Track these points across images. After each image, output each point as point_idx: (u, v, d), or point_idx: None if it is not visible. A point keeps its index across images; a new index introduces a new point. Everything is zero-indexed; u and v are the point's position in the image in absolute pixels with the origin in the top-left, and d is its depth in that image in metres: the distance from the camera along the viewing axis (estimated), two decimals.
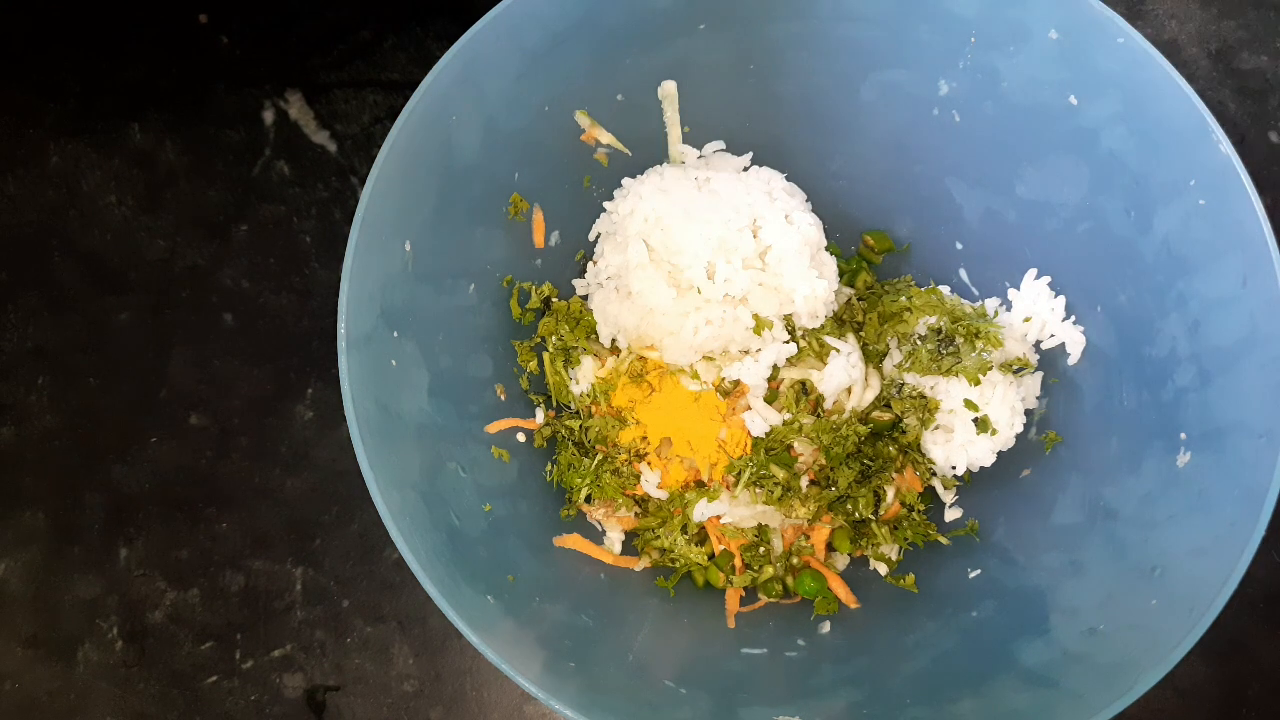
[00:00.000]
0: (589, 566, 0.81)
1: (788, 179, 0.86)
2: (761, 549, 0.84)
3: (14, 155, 0.99)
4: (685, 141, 0.88)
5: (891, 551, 0.84)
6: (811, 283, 0.81)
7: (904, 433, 0.85)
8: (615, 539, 0.84)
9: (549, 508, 0.83)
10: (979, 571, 0.80)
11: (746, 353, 0.84)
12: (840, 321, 0.88)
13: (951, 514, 0.86)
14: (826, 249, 0.86)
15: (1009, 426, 0.83)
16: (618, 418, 0.85)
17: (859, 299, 0.89)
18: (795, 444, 0.84)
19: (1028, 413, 0.85)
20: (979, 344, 0.82)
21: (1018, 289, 0.86)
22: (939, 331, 0.84)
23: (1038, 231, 0.83)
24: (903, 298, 0.87)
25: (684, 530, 0.83)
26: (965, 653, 0.73)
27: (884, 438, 0.86)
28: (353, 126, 1.00)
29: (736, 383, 0.85)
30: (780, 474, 0.82)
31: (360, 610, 0.89)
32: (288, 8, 1.03)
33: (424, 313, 0.75)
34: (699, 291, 0.80)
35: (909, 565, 0.84)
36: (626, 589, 0.81)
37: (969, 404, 0.82)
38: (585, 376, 0.86)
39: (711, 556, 0.84)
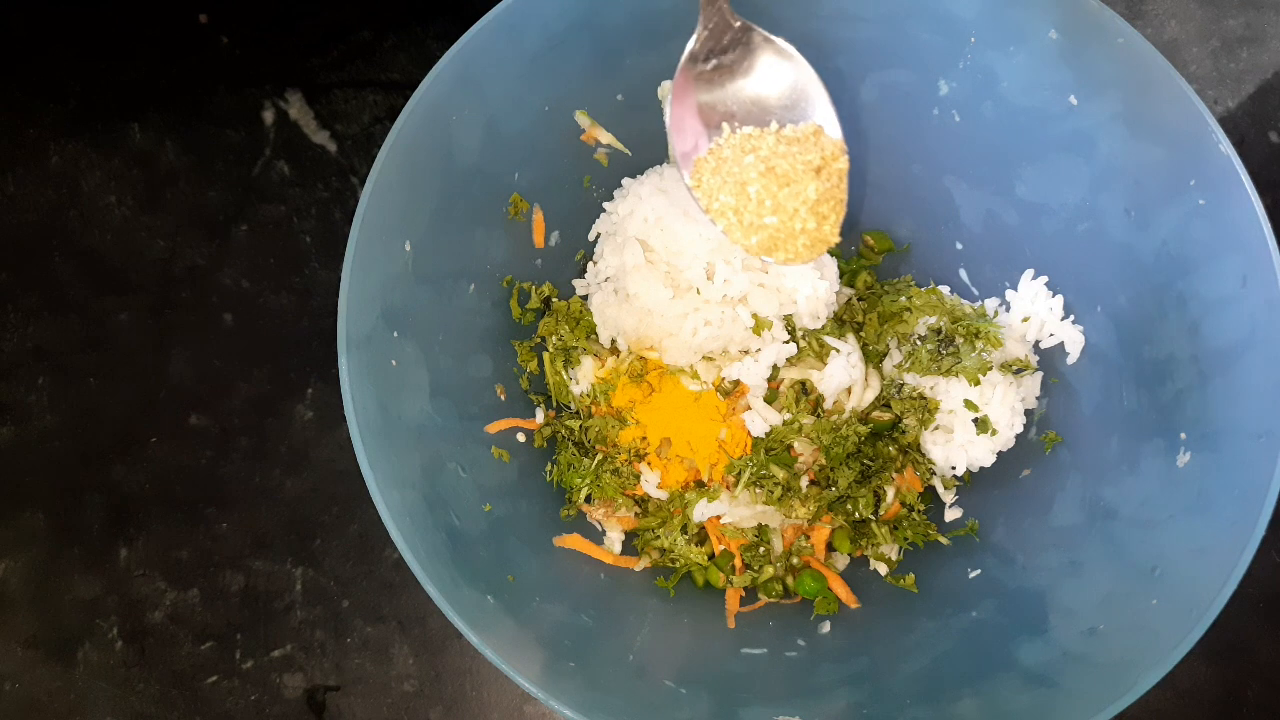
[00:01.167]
0: (589, 566, 0.81)
1: None
2: (761, 549, 0.84)
3: (14, 155, 0.99)
4: None
5: (891, 551, 0.84)
6: (813, 283, 0.81)
7: (904, 433, 0.85)
8: (615, 539, 0.84)
9: (549, 508, 0.83)
10: (979, 571, 0.80)
11: (746, 353, 0.84)
12: (840, 321, 0.88)
13: (951, 514, 0.86)
14: (827, 250, 0.86)
15: (1009, 427, 0.83)
16: (618, 418, 0.85)
17: (859, 299, 0.89)
18: (795, 444, 0.84)
19: (1027, 413, 0.85)
20: (979, 344, 0.82)
21: (1016, 289, 0.86)
22: (939, 331, 0.84)
23: (1038, 232, 0.83)
24: (903, 298, 0.87)
25: (684, 530, 0.83)
26: (965, 653, 0.73)
27: (884, 438, 0.86)
28: (353, 126, 1.00)
29: (736, 383, 0.85)
30: (780, 474, 0.82)
31: (360, 610, 0.89)
32: (288, 8, 1.03)
33: (424, 313, 0.75)
34: (698, 292, 0.80)
35: (909, 565, 0.84)
36: (626, 589, 0.81)
37: (969, 404, 0.82)
38: (585, 376, 0.86)
39: (711, 556, 0.84)
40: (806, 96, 0.71)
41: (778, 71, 0.71)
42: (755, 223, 0.68)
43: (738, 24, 0.69)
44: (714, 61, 0.70)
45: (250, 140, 1.00)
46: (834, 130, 0.71)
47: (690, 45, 0.70)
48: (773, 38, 0.71)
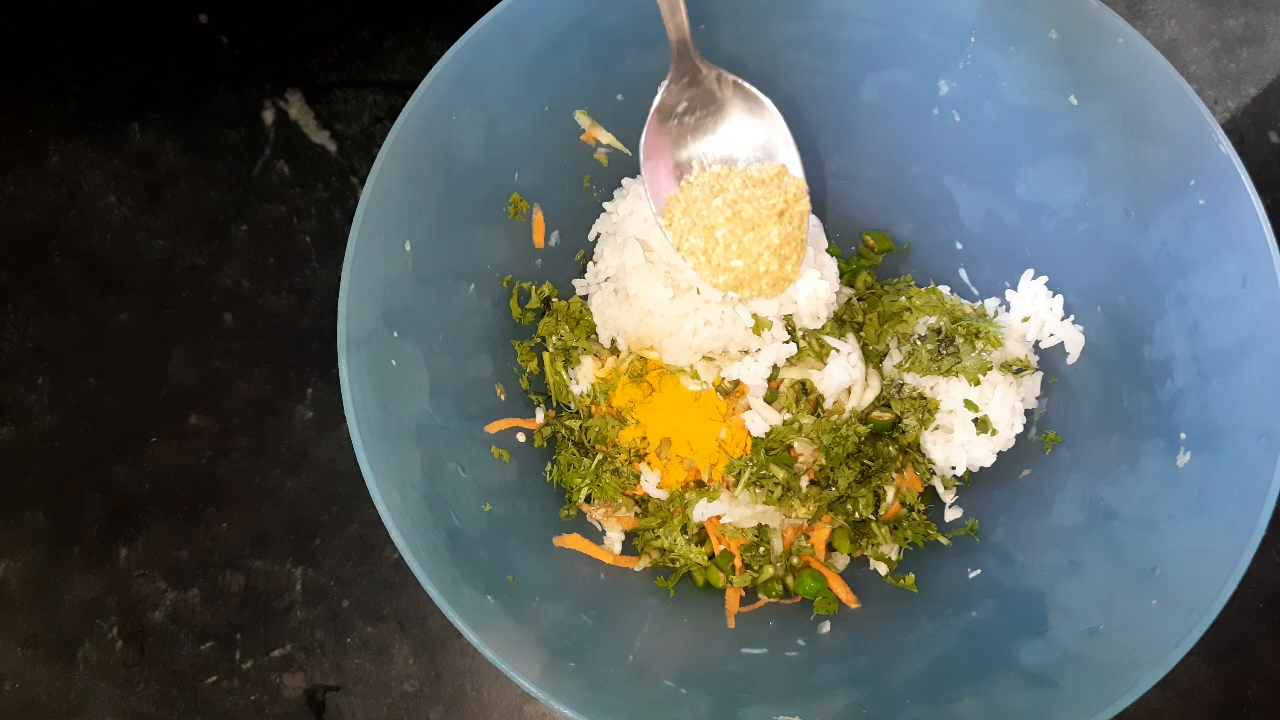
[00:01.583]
0: (589, 566, 0.81)
1: None
2: (761, 549, 0.84)
3: (14, 155, 0.99)
4: None
5: (891, 551, 0.84)
6: (813, 283, 0.81)
7: (904, 433, 0.85)
8: (615, 539, 0.84)
9: (549, 508, 0.83)
10: (979, 571, 0.80)
11: (746, 353, 0.84)
12: (840, 321, 0.88)
13: (951, 514, 0.86)
14: (827, 250, 0.86)
15: (1009, 427, 0.83)
16: (618, 418, 0.85)
17: (859, 299, 0.89)
18: (795, 444, 0.84)
19: (1027, 413, 0.85)
20: (979, 344, 0.82)
21: (1016, 289, 0.86)
22: (939, 331, 0.84)
23: (1038, 232, 0.83)
24: (903, 298, 0.87)
25: (684, 530, 0.83)
26: (965, 653, 0.73)
27: (884, 438, 0.86)
28: (353, 126, 1.00)
29: (736, 383, 0.85)
30: (780, 474, 0.82)
31: (360, 610, 0.89)
32: (288, 8, 1.03)
33: (424, 313, 0.75)
34: (698, 292, 0.80)
35: (909, 565, 0.84)
36: (626, 589, 0.81)
37: (969, 404, 0.82)
38: (585, 376, 0.86)
39: (711, 556, 0.84)
40: (772, 138, 0.76)
41: (745, 115, 0.76)
42: (722, 264, 0.74)
43: (706, 70, 0.73)
44: (685, 105, 0.75)
45: (250, 140, 1.00)
46: (797, 169, 0.76)
47: (661, 91, 0.74)
48: (741, 82, 0.75)
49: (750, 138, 0.76)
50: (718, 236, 0.73)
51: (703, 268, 0.75)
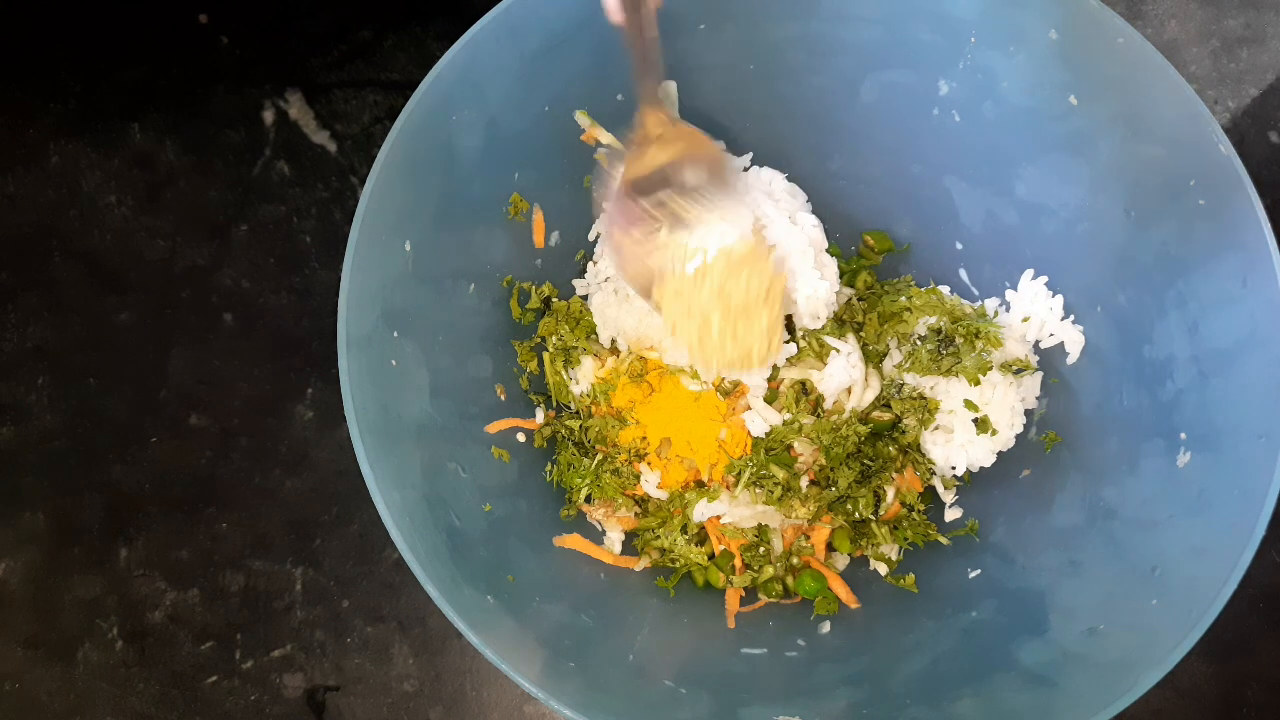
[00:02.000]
0: (589, 566, 0.81)
1: (788, 179, 0.86)
2: (761, 549, 0.84)
3: (14, 155, 0.99)
4: None
5: (891, 551, 0.84)
6: (814, 283, 0.81)
7: (904, 433, 0.85)
8: (615, 539, 0.84)
9: (549, 508, 0.83)
10: (979, 571, 0.80)
11: None
12: (840, 321, 0.88)
13: (951, 514, 0.86)
14: (827, 250, 0.86)
15: (1009, 427, 0.83)
16: (618, 418, 0.85)
17: (859, 299, 0.89)
18: (795, 444, 0.84)
19: (1027, 413, 0.85)
20: (979, 344, 0.82)
21: (1016, 289, 0.86)
22: (939, 332, 0.84)
23: (1038, 232, 0.83)
24: (903, 298, 0.87)
25: (684, 530, 0.83)
26: (965, 653, 0.73)
27: (884, 438, 0.86)
28: (353, 126, 1.00)
29: (736, 383, 0.85)
30: (780, 474, 0.82)
31: (360, 610, 0.89)
32: (288, 8, 1.03)
33: (424, 313, 0.75)
34: None
35: (909, 565, 0.84)
36: (626, 589, 0.81)
37: (969, 404, 0.82)
38: (585, 376, 0.86)
39: (711, 556, 0.84)
40: (742, 199, 0.77)
41: (707, 163, 0.75)
42: (717, 351, 0.75)
43: (676, 124, 0.74)
44: (651, 152, 0.74)
45: (250, 140, 1.00)
46: (772, 230, 0.78)
47: (627, 158, 0.74)
48: (720, 146, 0.76)
49: (713, 186, 0.75)
50: (713, 331, 0.75)
51: (694, 353, 0.76)
